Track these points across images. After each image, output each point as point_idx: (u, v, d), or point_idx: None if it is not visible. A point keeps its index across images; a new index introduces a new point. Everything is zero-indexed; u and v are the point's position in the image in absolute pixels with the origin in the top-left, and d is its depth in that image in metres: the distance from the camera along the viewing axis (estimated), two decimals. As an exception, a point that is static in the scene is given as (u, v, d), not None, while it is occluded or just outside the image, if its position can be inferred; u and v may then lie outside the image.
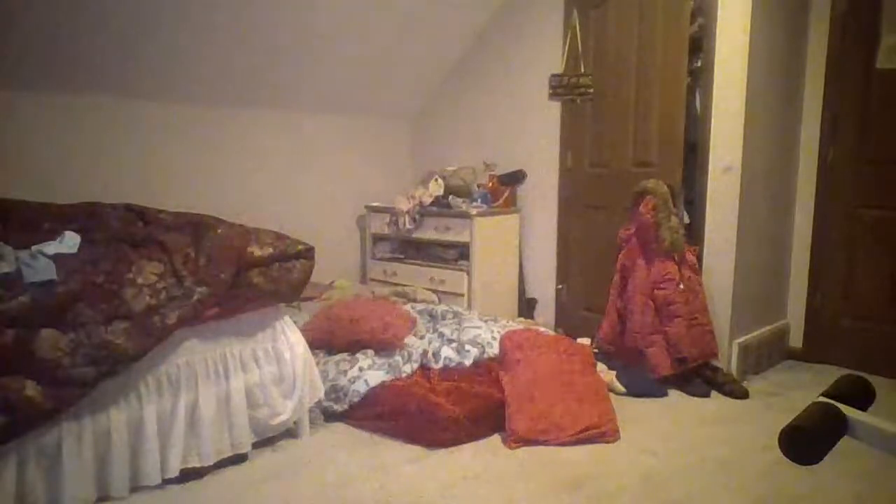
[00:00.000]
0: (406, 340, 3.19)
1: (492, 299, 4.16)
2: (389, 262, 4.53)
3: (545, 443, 2.71)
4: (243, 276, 2.45)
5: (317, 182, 4.50)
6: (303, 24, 3.69)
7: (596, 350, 3.49)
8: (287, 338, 2.68)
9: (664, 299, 3.33)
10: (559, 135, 4.17)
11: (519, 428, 2.73)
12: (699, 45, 3.54)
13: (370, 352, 3.09)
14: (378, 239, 4.64)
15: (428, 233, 4.30)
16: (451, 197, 4.27)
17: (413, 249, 4.49)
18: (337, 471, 2.50)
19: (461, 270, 4.14)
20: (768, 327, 3.77)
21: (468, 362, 3.09)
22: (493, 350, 3.18)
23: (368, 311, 3.26)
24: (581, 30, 3.98)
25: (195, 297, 2.30)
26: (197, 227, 2.55)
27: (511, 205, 4.36)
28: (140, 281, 2.20)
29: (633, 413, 3.03)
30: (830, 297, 3.79)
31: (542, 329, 3.57)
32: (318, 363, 2.92)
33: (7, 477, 1.97)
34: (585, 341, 3.60)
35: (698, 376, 3.36)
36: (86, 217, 2.71)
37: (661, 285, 3.34)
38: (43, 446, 2.05)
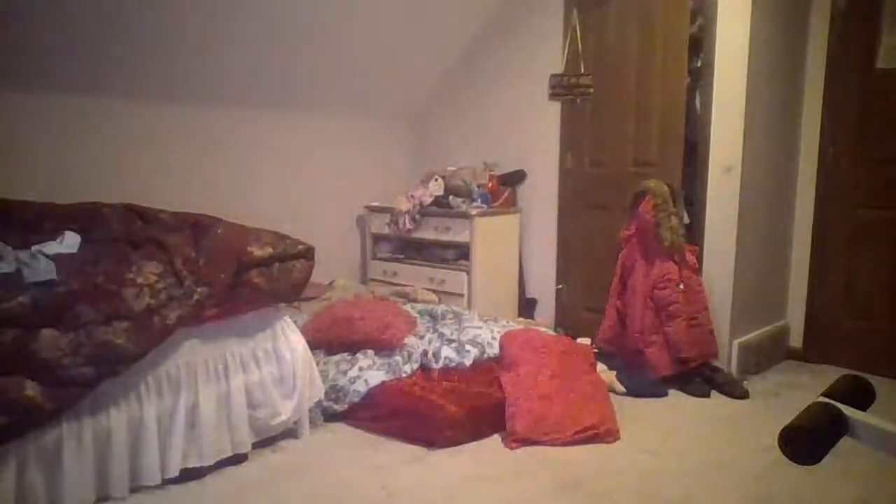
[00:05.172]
0: (406, 340, 3.19)
1: (492, 299, 4.16)
2: (389, 262, 4.53)
3: (545, 443, 2.71)
4: (243, 276, 2.45)
5: (317, 182, 4.50)
6: (304, 24, 3.69)
7: (596, 350, 3.49)
8: (287, 338, 2.68)
9: (664, 299, 3.33)
10: (559, 135, 4.17)
11: (519, 428, 2.73)
12: (699, 45, 3.54)
13: (370, 352, 3.09)
14: (378, 239, 4.64)
15: (428, 233, 4.30)
16: (451, 197, 4.26)
17: (413, 249, 4.49)
18: (337, 471, 2.50)
19: (461, 270, 4.14)
20: (768, 327, 3.77)
21: (468, 362, 3.09)
22: (493, 350, 3.18)
23: (368, 311, 3.26)
24: (581, 30, 3.98)
25: (195, 298, 2.30)
26: (197, 227, 2.55)
27: (511, 205, 4.36)
28: (140, 281, 2.20)
29: (633, 413, 3.02)
30: (830, 297, 3.79)
31: (542, 329, 3.57)
32: (318, 363, 2.92)
33: (7, 477, 1.97)
34: (585, 341, 3.60)
35: (698, 376, 3.35)
36: (86, 217, 2.71)
37: (661, 285, 3.34)
38: (43, 446, 2.04)
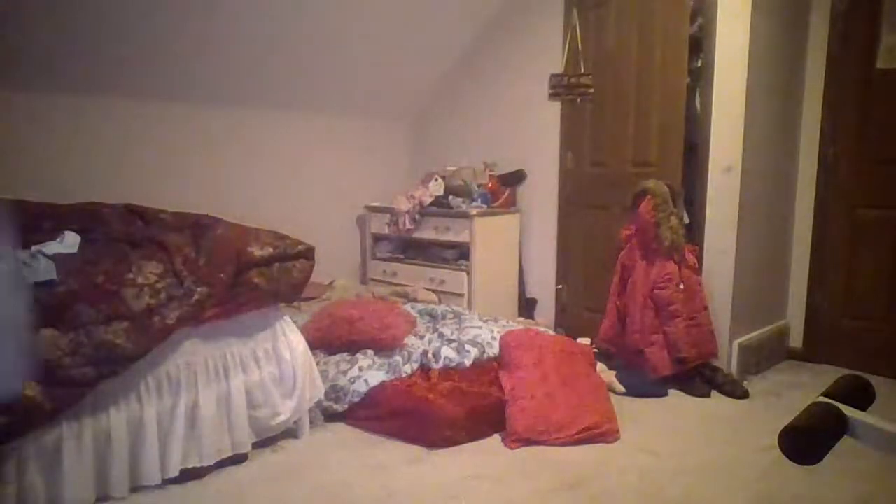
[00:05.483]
0: (406, 340, 3.19)
1: (492, 299, 4.16)
2: (389, 262, 4.53)
3: (545, 443, 2.71)
4: (243, 276, 2.45)
5: (317, 182, 4.50)
6: (304, 25, 3.69)
7: (596, 350, 3.49)
8: (287, 338, 2.68)
9: (664, 299, 3.33)
10: (559, 135, 4.17)
11: (519, 428, 2.73)
12: (699, 45, 3.54)
13: (370, 352, 3.09)
14: (378, 239, 4.64)
15: (428, 233, 4.30)
16: (451, 197, 4.26)
17: (413, 249, 4.49)
18: (337, 471, 2.50)
19: (461, 270, 4.14)
20: (768, 327, 3.77)
21: (468, 362, 3.09)
22: (493, 350, 3.17)
23: (368, 311, 3.26)
24: (581, 30, 3.98)
25: (195, 298, 2.30)
26: (197, 227, 2.55)
27: (511, 205, 4.36)
28: (140, 281, 2.20)
29: (633, 413, 3.02)
30: (830, 297, 3.79)
31: (542, 329, 3.57)
32: (318, 363, 2.92)
33: (7, 477, 1.97)
34: (585, 341, 3.60)
35: (698, 376, 3.35)
36: (86, 217, 2.71)
37: (661, 285, 3.34)
38: (43, 446, 2.04)
